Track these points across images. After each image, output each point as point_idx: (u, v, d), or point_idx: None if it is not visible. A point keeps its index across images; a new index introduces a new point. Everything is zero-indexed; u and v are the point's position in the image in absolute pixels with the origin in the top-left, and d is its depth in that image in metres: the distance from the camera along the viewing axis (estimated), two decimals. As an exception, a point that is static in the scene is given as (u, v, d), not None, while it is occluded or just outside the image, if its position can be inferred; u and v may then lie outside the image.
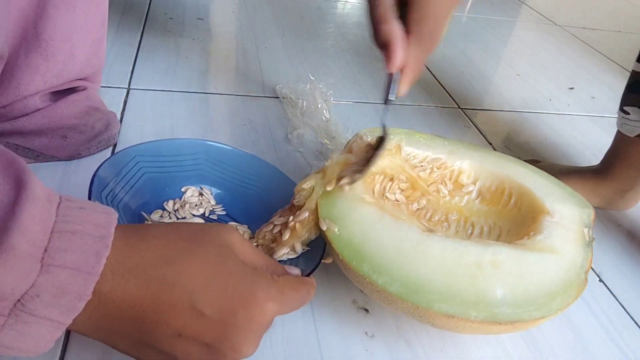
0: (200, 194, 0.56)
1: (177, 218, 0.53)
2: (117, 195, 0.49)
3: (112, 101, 0.73)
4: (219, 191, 0.57)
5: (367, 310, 0.51)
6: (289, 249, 0.47)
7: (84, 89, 0.59)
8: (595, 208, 0.51)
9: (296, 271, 0.40)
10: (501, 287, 0.40)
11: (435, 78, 1.03)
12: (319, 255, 0.47)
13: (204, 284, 0.30)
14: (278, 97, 0.84)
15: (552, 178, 0.53)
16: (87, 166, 0.61)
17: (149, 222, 0.50)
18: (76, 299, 0.27)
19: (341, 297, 0.51)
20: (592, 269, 0.61)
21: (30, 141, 0.57)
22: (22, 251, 0.25)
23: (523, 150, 0.85)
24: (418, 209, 0.53)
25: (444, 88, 1.00)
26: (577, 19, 1.59)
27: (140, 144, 0.54)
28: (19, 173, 0.27)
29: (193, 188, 0.56)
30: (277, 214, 0.51)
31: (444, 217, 0.53)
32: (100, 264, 0.28)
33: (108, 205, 0.45)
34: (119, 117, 0.71)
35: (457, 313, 0.38)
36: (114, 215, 0.30)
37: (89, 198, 0.44)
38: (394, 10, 0.41)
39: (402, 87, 0.43)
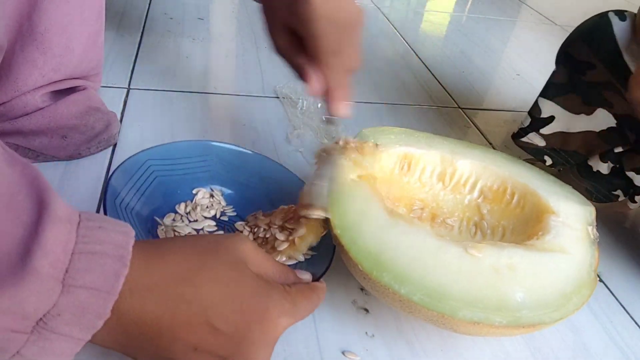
0: (211, 196, 0.56)
1: (190, 221, 0.53)
2: (130, 201, 0.49)
3: (112, 101, 0.73)
4: (229, 192, 0.57)
5: (367, 310, 0.51)
6: (285, 258, 0.47)
7: (84, 89, 0.59)
8: (597, 209, 0.51)
9: (307, 276, 0.39)
10: (520, 290, 0.40)
11: (435, 78, 1.03)
12: (328, 257, 0.47)
13: (219, 300, 0.30)
14: (278, 97, 0.84)
15: (550, 176, 0.53)
16: (87, 166, 0.61)
17: (162, 227, 0.50)
18: (96, 317, 0.28)
19: (341, 297, 0.51)
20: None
21: (31, 141, 0.57)
22: (44, 273, 0.26)
23: (523, 150, 0.85)
24: (420, 209, 0.53)
25: (444, 88, 1.00)
26: (577, 19, 1.58)
27: (151, 147, 0.54)
28: (42, 192, 0.28)
29: (204, 190, 0.56)
30: (278, 212, 0.51)
31: (447, 217, 0.53)
32: (119, 283, 0.28)
33: (122, 212, 0.46)
34: (119, 117, 0.71)
35: (482, 319, 0.38)
36: (132, 233, 0.30)
37: (104, 208, 0.44)
38: (296, 46, 0.45)
39: (336, 108, 0.45)
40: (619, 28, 0.60)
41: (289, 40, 0.46)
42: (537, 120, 0.68)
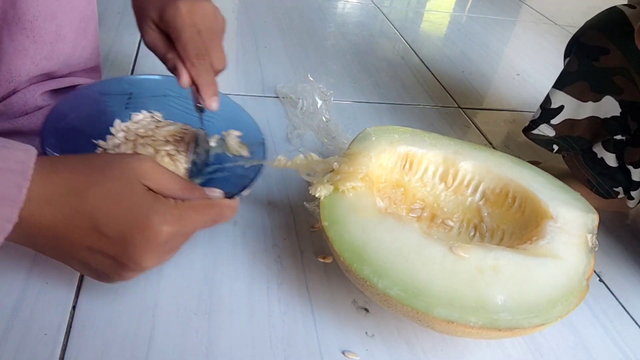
0: (152, 117, 0.58)
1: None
2: (74, 125, 0.52)
3: (112, 101, 0.73)
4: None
5: (367, 310, 0.51)
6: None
7: (83, 89, 0.60)
8: (597, 208, 0.50)
9: (216, 193, 0.42)
10: (502, 293, 0.40)
11: (435, 78, 1.03)
12: (250, 177, 0.50)
13: (106, 210, 0.36)
14: (278, 97, 0.84)
15: (557, 181, 0.52)
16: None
17: (100, 150, 0.53)
18: (5, 222, 0.33)
19: (341, 297, 0.51)
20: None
21: (31, 141, 0.56)
22: None
23: (523, 150, 0.85)
24: (420, 209, 0.53)
25: (444, 88, 1.00)
26: (577, 19, 1.59)
27: (105, 80, 0.58)
28: None
29: (144, 112, 0.58)
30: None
31: (447, 217, 0.52)
32: (22, 194, 0.33)
33: (62, 133, 0.50)
34: (119, 117, 0.71)
35: (456, 319, 0.38)
36: (34, 151, 0.35)
37: (43, 127, 0.48)
38: (166, 43, 0.51)
39: (208, 102, 0.51)
40: (631, 14, 0.62)
41: (159, 37, 0.52)
42: (547, 111, 0.68)
